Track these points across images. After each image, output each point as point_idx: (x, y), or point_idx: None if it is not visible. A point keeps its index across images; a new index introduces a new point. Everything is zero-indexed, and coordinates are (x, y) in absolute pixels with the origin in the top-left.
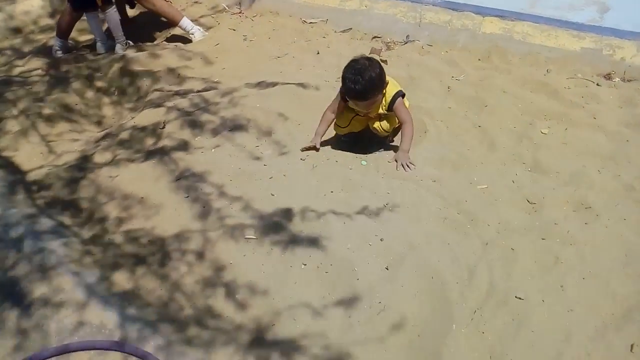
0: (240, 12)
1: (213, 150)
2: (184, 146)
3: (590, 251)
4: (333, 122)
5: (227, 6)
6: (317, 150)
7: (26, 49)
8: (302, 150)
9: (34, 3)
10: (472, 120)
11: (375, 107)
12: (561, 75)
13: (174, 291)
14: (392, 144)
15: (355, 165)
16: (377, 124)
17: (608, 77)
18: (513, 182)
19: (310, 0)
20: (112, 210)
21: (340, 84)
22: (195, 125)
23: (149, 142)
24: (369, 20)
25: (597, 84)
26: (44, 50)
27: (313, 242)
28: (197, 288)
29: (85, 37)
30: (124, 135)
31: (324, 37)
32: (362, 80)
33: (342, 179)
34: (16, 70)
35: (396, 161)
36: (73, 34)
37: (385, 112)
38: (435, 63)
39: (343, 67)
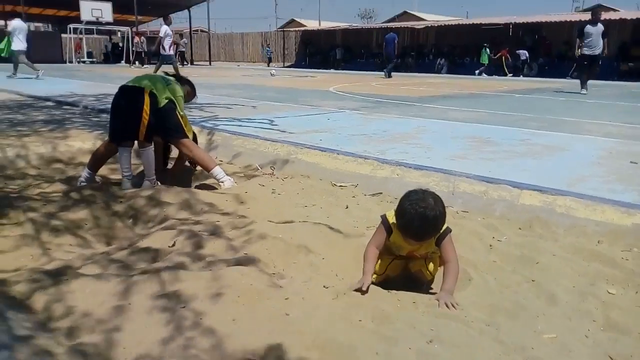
0: (272, 174)
1: (221, 270)
2: (182, 267)
3: None
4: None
5: (259, 166)
6: (366, 292)
7: (56, 176)
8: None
9: (74, 145)
10: (523, 275)
11: (425, 246)
12: (615, 247)
13: None
14: (431, 291)
15: (389, 301)
16: (422, 267)
17: None
18: (586, 337)
19: (342, 166)
20: (69, 321)
21: (378, 222)
22: (204, 248)
23: (146, 260)
24: (400, 187)
25: None
26: (71, 180)
27: None
28: None
29: (116, 176)
30: (123, 253)
31: (353, 197)
32: (426, 219)
33: (372, 309)
34: (37, 190)
35: (438, 300)
36: (104, 171)
37: (433, 250)
38: (473, 225)
39: (402, 199)
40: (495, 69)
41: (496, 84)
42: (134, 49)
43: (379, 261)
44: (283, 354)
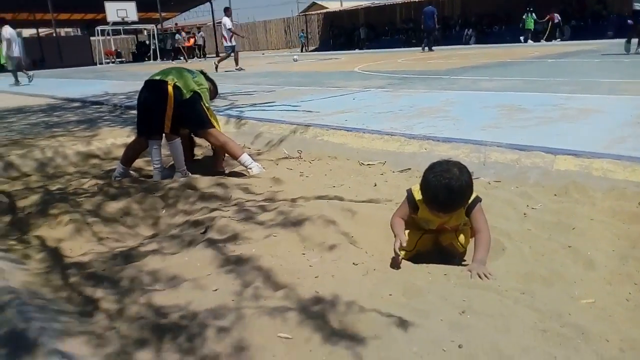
0: (299, 157)
1: (253, 250)
2: (232, 239)
3: None
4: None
5: (286, 151)
6: (403, 248)
7: (93, 172)
8: (397, 263)
9: (107, 142)
10: (559, 241)
11: (455, 217)
12: None
13: None
14: (464, 263)
15: (419, 274)
16: (453, 240)
17: None
18: (627, 300)
19: (369, 145)
20: (149, 288)
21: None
22: (236, 231)
23: (198, 236)
24: (429, 161)
25: None
26: (109, 174)
27: (366, 343)
28: None
29: (149, 168)
30: (175, 230)
31: (381, 174)
32: (453, 191)
33: (402, 283)
34: (78, 185)
35: (470, 271)
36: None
37: (464, 221)
38: (506, 195)
39: (426, 172)
40: (540, 34)
41: (527, 51)
42: (177, 45)
43: (408, 237)
44: (314, 333)
